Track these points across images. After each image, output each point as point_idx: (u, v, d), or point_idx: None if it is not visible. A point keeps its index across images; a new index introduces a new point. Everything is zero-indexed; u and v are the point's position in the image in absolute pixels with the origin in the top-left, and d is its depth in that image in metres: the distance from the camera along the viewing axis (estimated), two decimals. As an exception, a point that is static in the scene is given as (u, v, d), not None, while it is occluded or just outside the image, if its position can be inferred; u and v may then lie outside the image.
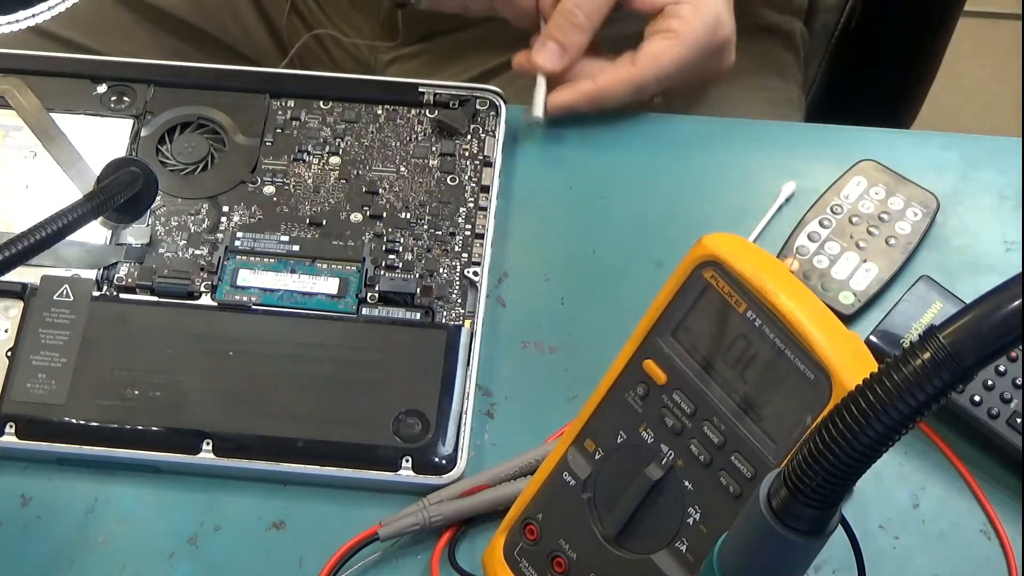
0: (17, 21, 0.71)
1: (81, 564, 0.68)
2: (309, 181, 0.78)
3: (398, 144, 0.80)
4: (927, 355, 0.41)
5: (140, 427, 0.70)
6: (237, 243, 0.76)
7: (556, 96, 0.80)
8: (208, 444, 0.70)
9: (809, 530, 0.46)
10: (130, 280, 0.74)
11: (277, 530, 0.69)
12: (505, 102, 0.81)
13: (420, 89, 0.81)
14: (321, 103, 0.81)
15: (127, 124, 0.80)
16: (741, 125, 0.85)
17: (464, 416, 0.71)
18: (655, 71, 0.79)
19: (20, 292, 0.73)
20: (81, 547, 0.68)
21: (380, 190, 0.78)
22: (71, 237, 0.67)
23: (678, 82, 0.81)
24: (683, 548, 0.57)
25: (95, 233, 0.75)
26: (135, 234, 0.76)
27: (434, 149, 0.79)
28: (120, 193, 0.71)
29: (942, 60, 1.13)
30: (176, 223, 0.77)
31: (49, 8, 0.72)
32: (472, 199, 0.78)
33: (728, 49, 0.81)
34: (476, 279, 0.75)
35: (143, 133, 0.79)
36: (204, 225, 0.77)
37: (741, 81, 0.92)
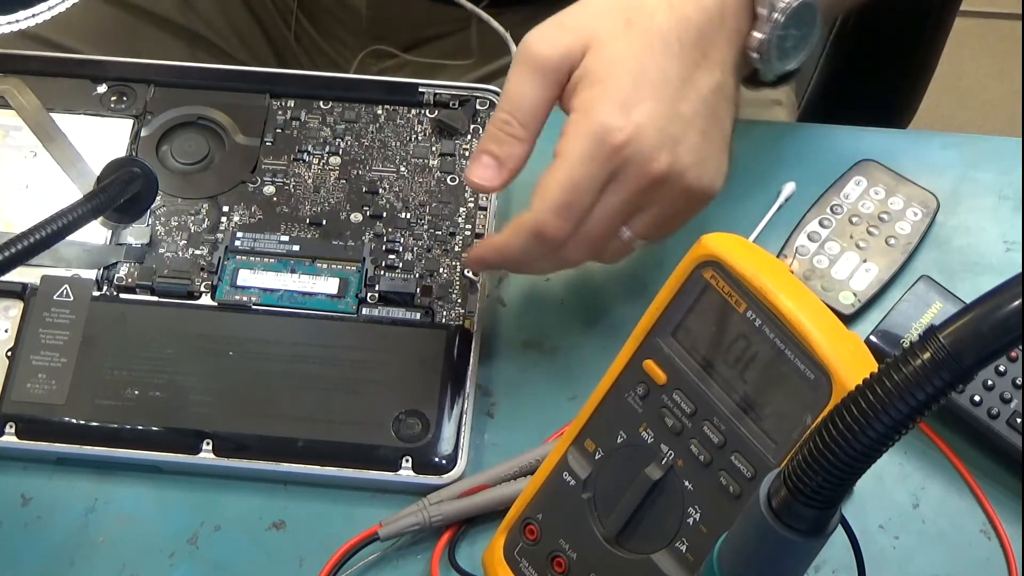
0: (17, 21, 0.71)
1: (81, 564, 0.68)
2: (309, 181, 0.78)
3: (398, 144, 0.80)
4: (927, 355, 0.41)
5: (140, 427, 0.70)
6: (237, 243, 0.76)
7: (468, 254, 0.73)
8: (208, 444, 0.70)
9: (809, 530, 0.46)
10: (130, 280, 0.74)
11: (277, 530, 0.69)
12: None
13: (420, 89, 0.81)
14: (321, 103, 0.81)
15: (127, 124, 0.80)
16: (741, 125, 0.84)
17: (464, 416, 0.71)
18: (545, 204, 0.65)
19: (20, 292, 0.73)
20: (81, 547, 0.68)
21: (380, 190, 0.78)
22: (71, 237, 0.67)
23: (616, 214, 0.67)
24: (683, 548, 0.57)
25: (95, 233, 0.75)
26: (135, 234, 0.76)
27: (434, 149, 0.79)
28: (120, 193, 0.71)
29: (939, 59, 1.13)
30: (176, 223, 0.77)
31: (49, 8, 0.72)
32: (472, 199, 0.78)
33: (649, 159, 0.65)
34: (476, 279, 0.75)
35: (143, 133, 0.79)
36: (204, 225, 0.77)
37: None
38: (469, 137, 0.80)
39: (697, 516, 0.57)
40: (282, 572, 0.68)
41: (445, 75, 0.96)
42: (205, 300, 0.74)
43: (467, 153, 0.79)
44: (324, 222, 0.77)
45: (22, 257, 0.64)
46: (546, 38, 0.67)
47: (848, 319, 0.75)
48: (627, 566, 0.59)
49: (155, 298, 0.74)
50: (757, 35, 0.70)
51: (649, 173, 0.66)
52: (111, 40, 0.97)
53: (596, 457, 0.60)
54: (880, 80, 1.13)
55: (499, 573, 0.64)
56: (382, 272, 0.75)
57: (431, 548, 0.68)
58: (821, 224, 0.78)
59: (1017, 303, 0.41)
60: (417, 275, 0.75)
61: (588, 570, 0.61)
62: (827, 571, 0.68)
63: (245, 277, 0.75)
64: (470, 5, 0.84)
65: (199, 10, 1.01)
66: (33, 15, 0.71)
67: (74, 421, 0.70)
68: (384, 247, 0.76)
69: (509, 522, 0.64)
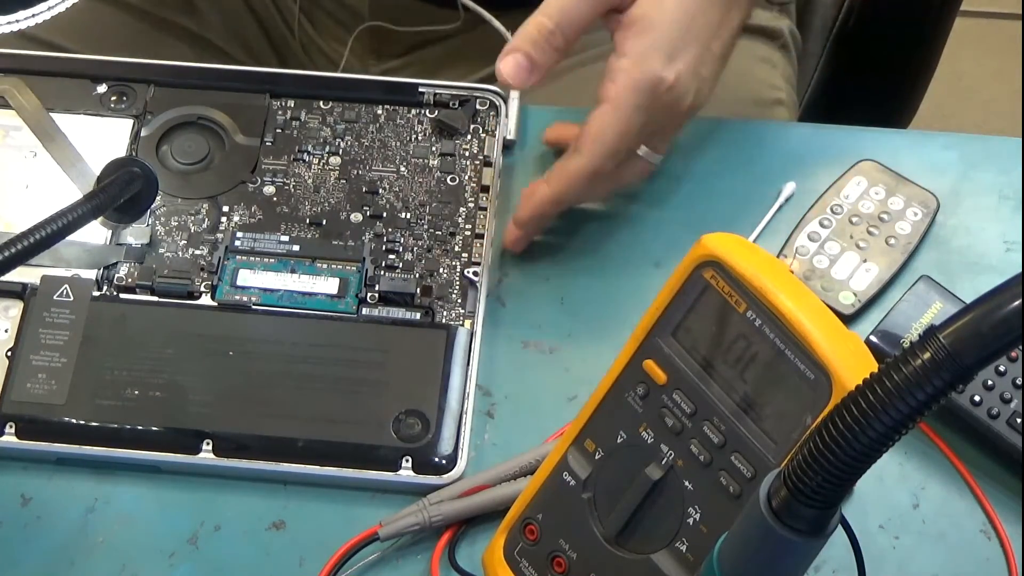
0: (17, 21, 0.71)
1: (81, 564, 0.68)
2: (309, 181, 0.78)
3: (398, 144, 0.80)
4: (927, 355, 0.41)
5: (140, 427, 0.70)
6: (237, 243, 0.76)
7: (520, 214, 0.76)
8: (208, 444, 0.70)
9: (809, 530, 0.46)
10: (130, 280, 0.74)
11: (277, 530, 0.69)
12: (505, 102, 0.81)
13: (420, 89, 0.81)
14: (321, 103, 0.81)
15: (127, 124, 0.80)
16: (741, 125, 0.85)
17: (464, 416, 0.71)
18: (602, 150, 0.72)
19: (20, 292, 0.73)
20: (81, 547, 0.68)
21: (380, 190, 0.78)
22: (71, 237, 0.67)
23: (639, 140, 0.75)
24: (683, 548, 0.57)
25: (95, 233, 0.75)
26: (135, 234, 0.76)
27: (434, 149, 0.79)
28: (120, 193, 0.71)
29: (939, 59, 1.13)
30: (176, 223, 0.77)
31: (49, 8, 0.71)
32: (472, 199, 0.78)
33: (683, 99, 0.73)
34: (476, 279, 0.75)
35: (143, 133, 0.79)
36: (204, 225, 0.77)
37: (721, 82, 0.92)
38: (469, 137, 0.80)
39: (697, 516, 0.57)
40: (282, 572, 0.68)
41: (445, 76, 0.96)
42: (205, 300, 0.74)
43: (467, 153, 0.79)
44: (324, 222, 0.77)
45: (22, 257, 0.64)
46: None
47: (848, 319, 0.75)
48: (627, 566, 0.59)
49: (155, 298, 0.74)
50: None
51: (680, 111, 0.74)
52: (110, 41, 0.97)
53: (596, 457, 0.60)
54: (880, 80, 1.13)
55: (499, 573, 0.64)
56: (382, 272, 0.75)
57: (431, 548, 0.68)
58: (821, 224, 0.78)
59: (1017, 303, 0.41)
60: (417, 275, 0.75)
61: (588, 570, 0.61)
62: (827, 571, 0.68)
63: (245, 277, 0.75)
64: (473, 5, 0.84)
65: (200, 11, 1.01)
66: (33, 15, 0.71)
67: (74, 421, 0.70)
68: (384, 247, 0.76)
69: (509, 522, 0.64)
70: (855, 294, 0.76)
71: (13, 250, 0.63)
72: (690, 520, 0.57)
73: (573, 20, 0.71)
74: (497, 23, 0.83)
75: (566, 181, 0.74)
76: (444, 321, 0.73)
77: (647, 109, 0.72)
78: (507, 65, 0.71)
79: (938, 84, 1.16)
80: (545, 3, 0.71)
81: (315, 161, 0.79)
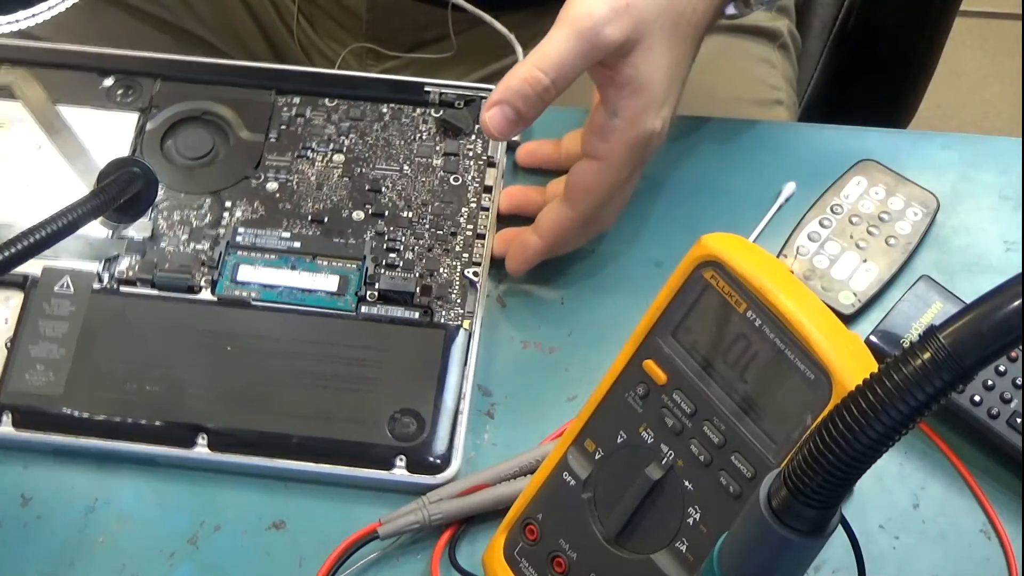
0: (17, 21, 0.71)
1: (81, 564, 0.68)
2: (312, 178, 0.78)
3: (402, 143, 0.80)
4: (927, 355, 0.42)
5: (136, 420, 0.70)
6: (238, 238, 0.76)
7: (511, 266, 0.76)
8: (203, 438, 0.69)
9: (809, 530, 0.46)
10: (131, 273, 0.74)
11: (277, 530, 0.69)
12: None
13: (426, 88, 0.81)
14: (326, 100, 0.81)
15: (133, 117, 0.80)
16: (741, 125, 0.85)
17: (460, 416, 0.71)
18: (595, 203, 0.73)
19: (21, 283, 0.73)
20: (81, 547, 0.68)
21: (383, 188, 0.78)
22: (72, 231, 0.67)
23: (627, 186, 0.76)
24: (683, 548, 0.57)
25: (97, 226, 0.75)
26: (137, 228, 0.76)
27: (438, 148, 0.79)
28: (120, 193, 0.71)
29: (939, 59, 1.13)
30: (178, 217, 0.77)
31: (49, 8, 0.71)
32: (474, 199, 0.78)
33: (663, 137, 0.74)
34: (476, 279, 0.75)
35: (148, 127, 0.79)
36: (206, 220, 0.77)
37: (721, 83, 0.92)
38: (473, 137, 0.80)
39: (697, 516, 0.57)
40: (282, 572, 0.68)
41: (443, 76, 0.96)
42: (205, 295, 0.74)
43: (471, 153, 0.79)
44: (326, 219, 0.77)
45: (21, 258, 0.63)
46: (612, 21, 0.68)
47: (848, 319, 0.75)
48: (627, 566, 0.59)
49: (155, 292, 0.74)
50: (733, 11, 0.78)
51: (658, 146, 0.73)
52: (110, 41, 0.97)
53: (596, 457, 0.60)
54: (880, 80, 1.13)
55: (499, 573, 0.64)
56: (382, 270, 0.75)
57: (431, 547, 0.68)
58: (821, 224, 0.78)
59: (1017, 303, 0.41)
60: (417, 274, 0.75)
61: (588, 570, 0.61)
62: (827, 571, 0.68)
63: (246, 272, 0.75)
64: (470, 6, 0.84)
65: (200, 13, 1.01)
66: (33, 15, 0.71)
67: (71, 412, 0.70)
68: (385, 246, 0.76)
69: (509, 522, 0.64)
70: (855, 294, 0.76)
71: (12, 251, 0.63)
72: (690, 520, 0.57)
73: (568, 76, 0.68)
74: (498, 24, 0.83)
75: (559, 234, 0.74)
76: (443, 321, 0.73)
77: (636, 161, 0.72)
78: (494, 117, 0.69)
79: (938, 84, 1.16)
80: (538, 55, 0.68)
81: (319, 158, 0.79)
